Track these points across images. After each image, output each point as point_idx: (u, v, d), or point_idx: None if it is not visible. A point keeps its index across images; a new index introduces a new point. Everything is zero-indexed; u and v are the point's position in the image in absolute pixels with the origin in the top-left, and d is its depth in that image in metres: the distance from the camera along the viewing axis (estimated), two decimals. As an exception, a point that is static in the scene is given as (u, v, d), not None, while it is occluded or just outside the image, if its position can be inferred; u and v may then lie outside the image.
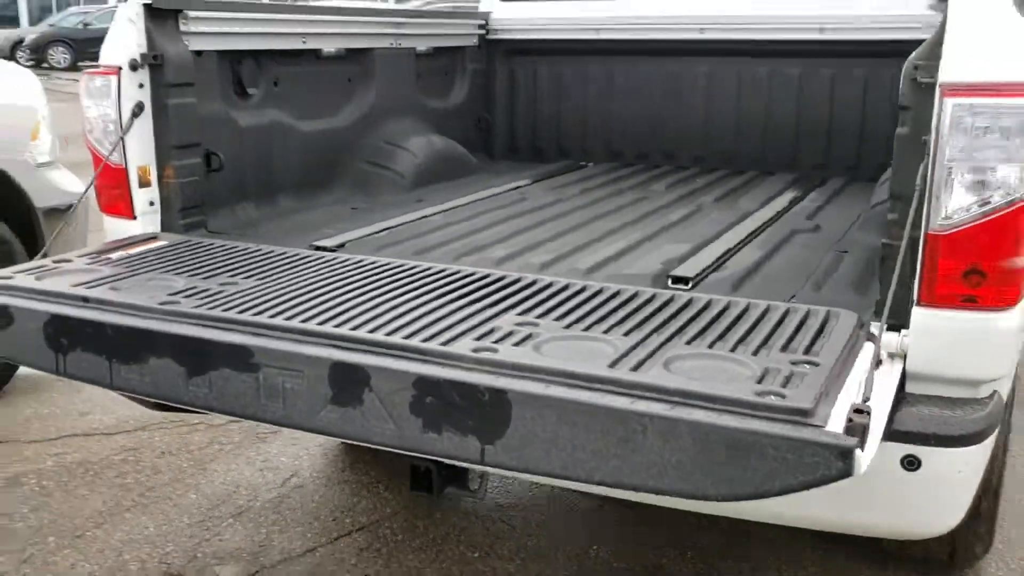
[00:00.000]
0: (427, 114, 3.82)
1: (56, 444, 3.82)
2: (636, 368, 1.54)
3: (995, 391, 1.84)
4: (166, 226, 2.63)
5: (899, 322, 1.82)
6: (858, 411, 1.43)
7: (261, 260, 2.27)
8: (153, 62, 2.54)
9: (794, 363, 1.58)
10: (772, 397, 1.42)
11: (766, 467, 1.35)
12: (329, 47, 3.32)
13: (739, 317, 1.82)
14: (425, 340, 1.67)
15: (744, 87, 3.84)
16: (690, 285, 2.18)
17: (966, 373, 1.80)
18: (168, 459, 3.66)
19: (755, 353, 1.63)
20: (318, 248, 2.51)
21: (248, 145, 2.95)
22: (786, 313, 1.84)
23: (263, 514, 3.25)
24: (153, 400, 2.17)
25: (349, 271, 2.16)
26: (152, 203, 2.62)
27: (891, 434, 1.72)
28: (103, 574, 2.90)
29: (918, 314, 1.79)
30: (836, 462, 1.31)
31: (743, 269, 2.31)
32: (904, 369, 1.82)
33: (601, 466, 1.45)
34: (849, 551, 2.98)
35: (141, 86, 2.55)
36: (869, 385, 1.51)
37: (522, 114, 4.26)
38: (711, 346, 1.67)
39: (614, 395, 1.46)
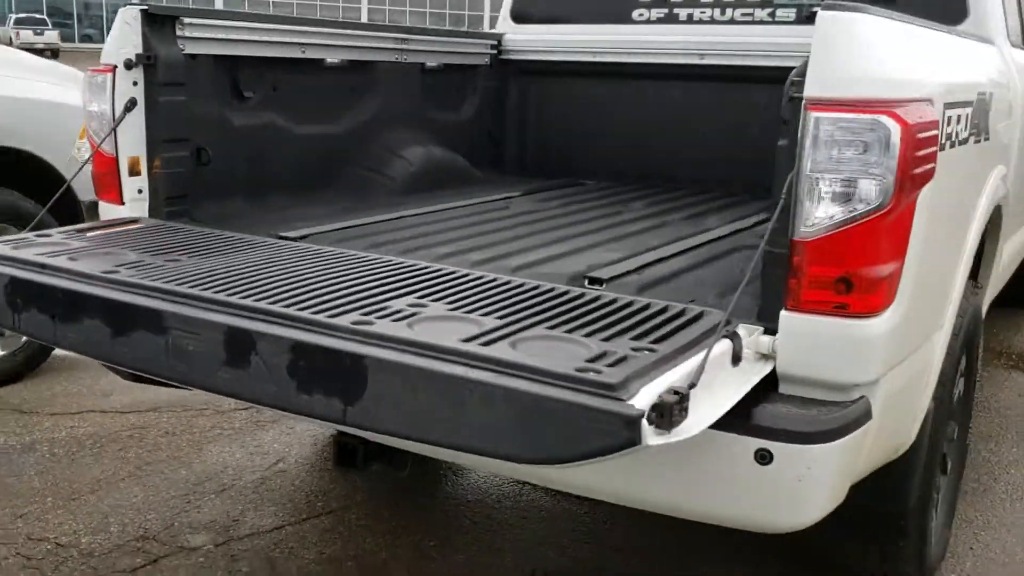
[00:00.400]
0: (433, 126, 4.01)
1: (74, 418, 4.10)
2: (486, 344, 1.68)
3: (864, 396, 1.92)
4: (153, 213, 2.86)
5: (773, 326, 1.91)
6: (676, 393, 1.54)
7: (217, 244, 2.47)
8: (147, 62, 2.78)
9: (635, 349, 1.69)
10: (591, 373, 1.54)
11: (565, 433, 1.47)
12: (332, 58, 3.53)
13: (615, 311, 1.93)
14: (315, 312, 1.84)
15: (742, 113, 3.93)
16: (603, 285, 2.30)
17: (831, 377, 1.88)
18: (170, 438, 3.90)
19: (607, 339, 1.75)
20: (281, 237, 2.70)
21: (241, 144, 3.17)
22: (662, 310, 1.94)
23: (243, 493, 3.45)
24: (111, 365, 2.39)
25: (290, 255, 2.35)
26: (140, 191, 2.85)
27: (746, 428, 1.81)
28: (85, 533, 3.13)
29: (785, 318, 1.88)
30: (622, 430, 1.42)
31: (662, 275, 2.42)
32: (776, 370, 1.92)
33: (436, 427, 1.59)
34: (795, 566, 3.03)
35: (135, 84, 2.79)
36: (698, 374, 1.62)
37: (531, 132, 4.42)
38: (570, 331, 1.79)
39: (452, 364, 1.60)
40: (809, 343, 1.87)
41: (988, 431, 4.24)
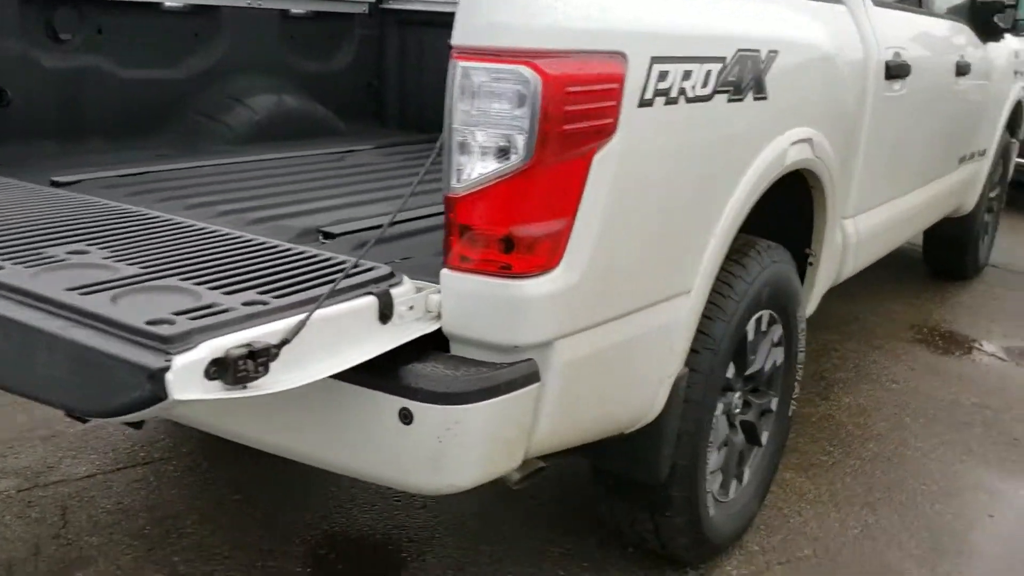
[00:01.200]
0: (295, 75, 3.92)
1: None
2: (88, 293, 1.62)
3: (530, 359, 1.84)
4: (-59, 154, 2.83)
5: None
6: (249, 348, 1.48)
7: (-35, 186, 2.43)
8: None
9: (247, 303, 1.62)
10: (163, 326, 1.48)
11: (108, 385, 1.42)
12: (172, 1, 3.46)
13: (280, 262, 1.87)
14: None
15: None
16: (334, 240, 2.24)
17: (491, 338, 1.81)
18: (22, 383, 3.89)
19: (231, 292, 1.68)
20: (53, 183, 2.65)
21: (54, 86, 3.12)
22: (334, 264, 1.88)
23: (70, 440, 3.44)
24: None
25: (21, 199, 2.30)
26: None
27: (391, 387, 1.75)
28: None
29: (445, 277, 1.81)
30: (145, 384, 1.37)
31: (404, 232, 2.34)
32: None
33: (14, 375, 1.55)
34: (594, 545, 2.98)
35: None
36: (295, 331, 1.56)
37: (411, 84, 4.33)
38: (201, 283, 1.73)
39: (36, 312, 1.55)
40: (469, 303, 1.80)
41: (865, 404, 4.15)
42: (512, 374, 1.80)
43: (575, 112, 1.72)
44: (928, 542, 3.07)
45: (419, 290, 1.86)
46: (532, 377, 1.84)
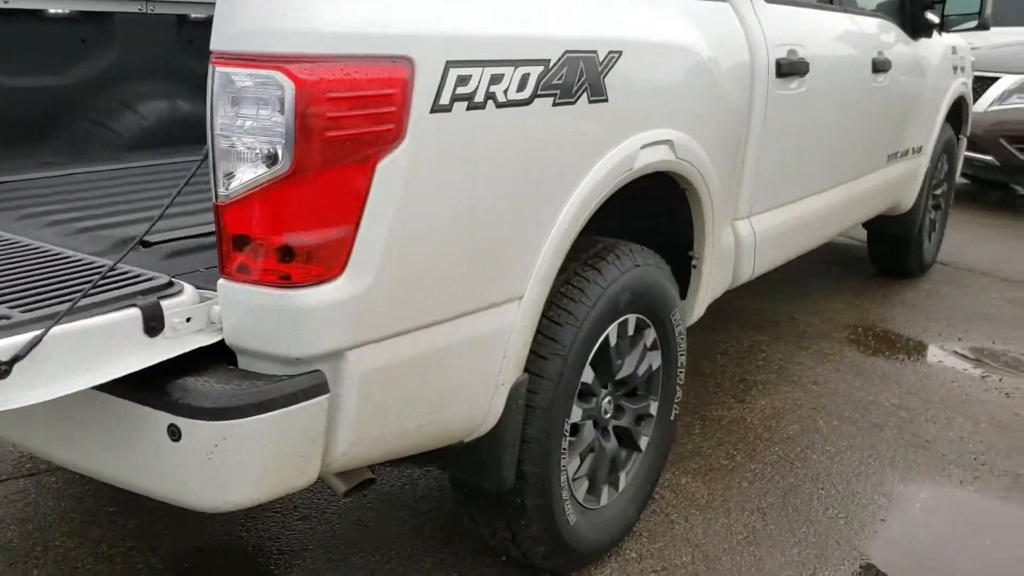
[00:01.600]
0: (194, 80, 3.88)
1: None
2: None
3: (318, 370, 1.80)
4: None
5: (225, 295, 1.80)
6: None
7: None
8: None
9: (-8, 318, 1.59)
10: None
11: None
12: (55, 8, 3.42)
13: (56, 273, 1.83)
14: None
15: None
16: (150, 248, 2.21)
17: (272, 350, 1.76)
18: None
19: None
20: None
21: None
22: (117, 275, 1.84)
23: (-44, 451, 3.41)
24: None
25: None
26: None
27: (158, 402, 1.71)
28: None
29: (222, 287, 1.77)
30: None
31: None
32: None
33: None
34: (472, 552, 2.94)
35: None
36: (28, 348, 1.52)
37: None
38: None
39: None
40: (248, 314, 1.76)
41: (781, 407, 4.09)
42: (292, 387, 1.75)
43: (342, 118, 1.68)
44: (813, 548, 3.02)
45: (203, 300, 1.82)
46: (319, 389, 1.79)
